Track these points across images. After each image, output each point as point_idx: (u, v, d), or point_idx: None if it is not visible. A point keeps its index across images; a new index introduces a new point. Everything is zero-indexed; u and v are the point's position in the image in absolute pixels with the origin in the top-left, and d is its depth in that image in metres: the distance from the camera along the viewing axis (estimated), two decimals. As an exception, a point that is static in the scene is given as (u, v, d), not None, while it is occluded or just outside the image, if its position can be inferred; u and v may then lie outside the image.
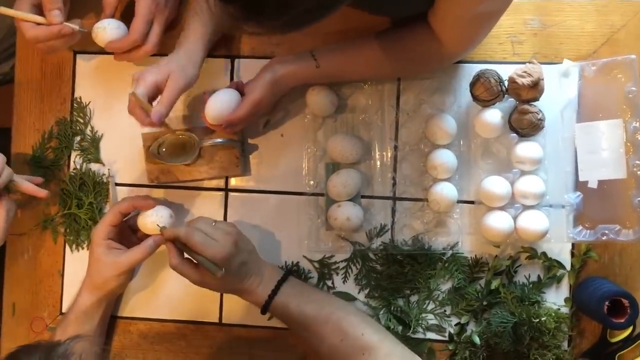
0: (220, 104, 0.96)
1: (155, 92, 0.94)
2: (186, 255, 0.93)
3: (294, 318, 0.94)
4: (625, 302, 0.90)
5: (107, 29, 0.99)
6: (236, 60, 1.07)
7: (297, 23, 0.63)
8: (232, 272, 0.92)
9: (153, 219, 0.99)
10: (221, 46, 1.06)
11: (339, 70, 0.99)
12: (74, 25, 0.97)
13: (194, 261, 0.92)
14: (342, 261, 1.04)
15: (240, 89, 0.98)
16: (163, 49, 0.99)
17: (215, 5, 0.61)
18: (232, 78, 1.07)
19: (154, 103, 0.94)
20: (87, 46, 1.06)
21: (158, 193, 1.08)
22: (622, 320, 0.90)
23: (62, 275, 1.09)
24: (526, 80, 0.93)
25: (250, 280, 0.95)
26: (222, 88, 0.99)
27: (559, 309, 0.98)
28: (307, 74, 0.98)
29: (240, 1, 0.60)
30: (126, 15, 1.03)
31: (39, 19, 0.95)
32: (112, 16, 1.01)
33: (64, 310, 1.08)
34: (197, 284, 0.93)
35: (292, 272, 1.03)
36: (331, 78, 1.00)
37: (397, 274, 1.02)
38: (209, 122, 0.98)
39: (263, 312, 0.95)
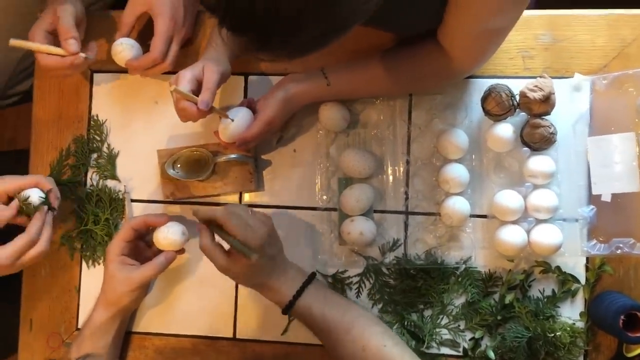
0: (233, 122, 0.97)
1: (196, 86, 0.94)
2: (217, 239, 0.93)
3: (316, 321, 0.94)
4: (641, 316, 0.89)
5: (126, 49, 1.01)
6: (250, 77, 1.09)
7: (306, 49, 0.65)
8: (260, 263, 0.91)
9: (165, 235, 1.00)
10: (235, 63, 1.07)
11: (350, 88, 1.00)
12: (86, 54, 0.99)
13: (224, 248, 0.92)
14: (355, 276, 1.04)
15: (252, 106, 1.00)
16: (177, 67, 1.00)
17: (228, 37, 0.63)
18: (245, 95, 1.09)
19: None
20: (104, 65, 1.08)
21: (173, 209, 1.09)
22: (639, 335, 0.89)
23: (79, 291, 1.10)
24: (537, 95, 0.94)
25: (274, 278, 0.94)
26: (234, 107, 1.00)
27: (574, 324, 0.98)
28: (319, 92, 0.99)
29: (251, 32, 0.62)
30: (141, 34, 1.05)
31: (53, 49, 0.97)
32: (128, 35, 1.03)
33: (80, 326, 1.09)
34: (222, 270, 0.92)
35: (315, 275, 1.01)
36: (342, 95, 1.02)
37: (410, 288, 1.02)
38: (222, 140, 0.99)
39: (285, 312, 0.95)
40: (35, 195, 0.97)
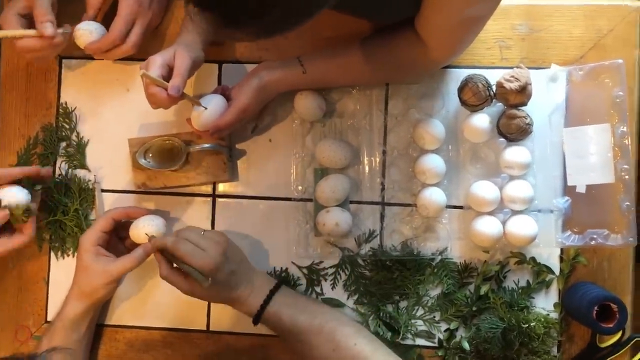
0: (206, 110, 0.95)
1: (167, 71, 0.92)
2: (175, 265, 0.92)
3: (286, 328, 0.93)
4: (614, 307, 0.90)
5: (89, 32, 0.98)
6: (224, 65, 1.06)
7: (275, 28, 0.63)
8: (221, 281, 0.91)
9: (145, 228, 0.98)
10: (209, 51, 1.05)
11: (326, 76, 0.99)
12: (63, 29, 0.97)
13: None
14: (330, 267, 1.03)
15: (226, 93, 0.98)
16: (144, 54, 0.97)
17: (195, 13, 0.61)
18: (219, 83, 1.06)
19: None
20: (72, 51, 1.05)
21: (145, 199, 1.07)
22: (611, 325, 0.90)
23: (48, 283, 1.07)
24: (514, 85, 0.93)
25: (240, 290, 0.94)
26: (208, 94, 0.98)
27: (548, 314, 0.98)
28: (294, 80, 0.97)
29: (217, 8, 0.60)
30: (109, 18, 1.02)
31: (28, 32, 0.94)
32: (95, 18, 1.00)
33: (49, 319, 1.07)
34: (186, 293, 0.92)
35: (284, 280, 1.02)
36: (318, 84, 1.00)
37: (386, 279, 1.01)
38: (195, 128, 0.97)
39: (255, 322, 0.94)
40: (20, 196, 0.95)
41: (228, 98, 0.97)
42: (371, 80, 1.02)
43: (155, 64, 0.90)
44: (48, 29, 0.94)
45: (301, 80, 0.97)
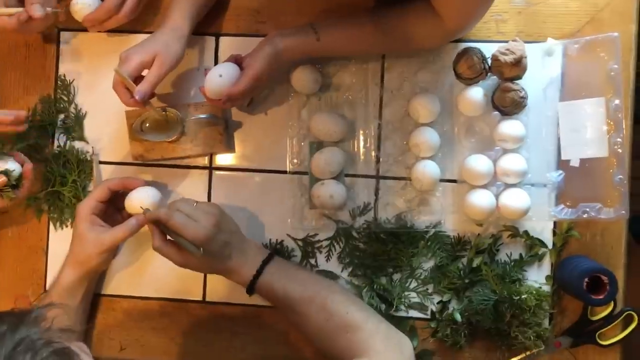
0: (220, 78, 0.94)
1: (140, 71, 0.94)
2: (169, 237, 0.93)
3: (279, 298, 0.94)
4: (605, 278, 0.91)
5: (87, 5, 0.99)
6: (221, 38, 1.07)
7: None
8: (213, 252, 0.92)
9: (140, 199, 0.99)
10: (206, 24, 1.05)
11: (338, 45, 0.97)
12: (53, 10, 0.97)
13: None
14: (325, 239, 1.04)
15: (239, 62, 0.97)
16: (141, 26, 0.98)
17: None
18: (216, 56, 1.07)
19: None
20: (70, 23, 1.05)
21: (143, 171, 1.08)
22: (602, 297, 0.90)
23: (46, 253, 1.09)
24: (509, 58, 0.93)
25: (233, 261, 0.94)
26: (221, 62, 0.97)
27: (540, 287, 0.99)
28: (308, 47, 0.96)
29: None
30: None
31: (16, 11, 0.95)
32: None
33: (48, 288, 1.08)
34: (180, 265, 0.93)
35: (277, 251, 1.02)
36: (331, 52, 0.99)
37: (380, 252, 1.02)
38: (208, 96, 0.96)
39: (249, 292, 0.95)
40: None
41: (241, 67, 0.96)
42: (385, 50, 1.01)
43: (131, 61, 0.92)
44: (37, 11, 0.95)
45: (315, 48, 0.96)
